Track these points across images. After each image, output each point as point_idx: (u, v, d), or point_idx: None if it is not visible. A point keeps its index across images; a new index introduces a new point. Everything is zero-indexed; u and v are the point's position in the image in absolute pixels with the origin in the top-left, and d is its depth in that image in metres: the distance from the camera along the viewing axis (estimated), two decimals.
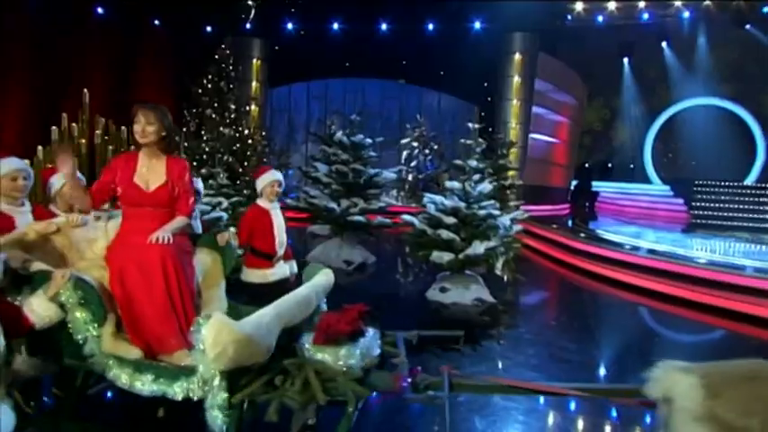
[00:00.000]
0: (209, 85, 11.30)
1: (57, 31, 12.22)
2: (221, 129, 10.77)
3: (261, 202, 3.66)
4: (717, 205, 14.05)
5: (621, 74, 17.00)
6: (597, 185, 17.14)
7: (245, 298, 3.27)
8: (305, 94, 15.31)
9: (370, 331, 2.40)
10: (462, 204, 6.09)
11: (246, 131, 11.40)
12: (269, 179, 3.63)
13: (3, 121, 10.83)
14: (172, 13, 14.23)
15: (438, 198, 6.25)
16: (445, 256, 5.70)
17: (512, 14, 13.16)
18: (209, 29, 14.58)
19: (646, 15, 15.47)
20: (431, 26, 14.08)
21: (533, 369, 4.26)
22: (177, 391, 2.18)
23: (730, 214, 13.60)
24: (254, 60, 13.89)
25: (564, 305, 7.25)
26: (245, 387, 2.12)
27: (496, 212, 6.05)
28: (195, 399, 2.15)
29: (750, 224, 13.05)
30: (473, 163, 6.34)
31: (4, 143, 9.77)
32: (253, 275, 3.56)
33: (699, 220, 13.61)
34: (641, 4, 15.04)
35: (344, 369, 2.20)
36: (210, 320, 2.06)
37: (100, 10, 13.63)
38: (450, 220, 5.87)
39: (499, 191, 10.29)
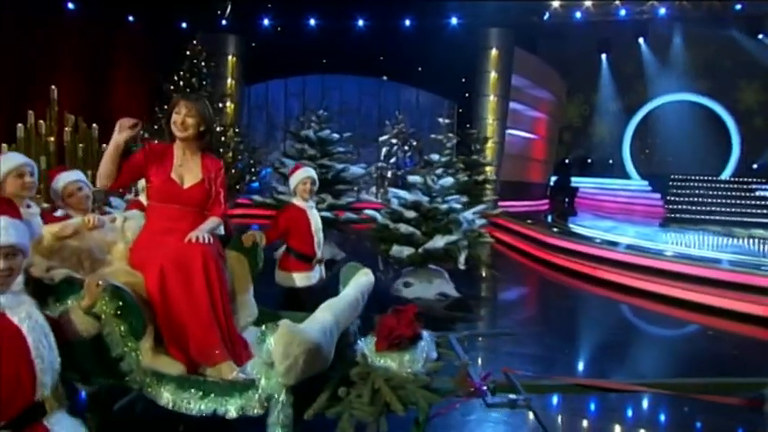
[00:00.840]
0: (181, 82, 11.15)
1: (27, 27, 12.01)
2: None
3: (296, 201, 3.48)
4: (691, 199, 14.19)
5: (601, 70, 17.10)
6: (577, 181, 17.22)
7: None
8: (282, 90, 15.19)
9: (426, 334, 2.25)
10: (425, 199, 6.06)
11: (219, 128, 11.25)
12: (300, 177, 3.44)
13: None
14: (147, 9, 14.05)
15: (402, 192, 6.21)
16: (405, 251, 5.65)
17: (488, 10, 13.17)
18: (184, 25, 14.42)
19: (623, 12, 15.57)
20: (407, 22, 14.03)
21: (492, 363, 4.22)
22: (231, 408, 1.98)
23: (704, 208, 13.73)
24: (230, 57, 13.77)
25: (530, 299, 7.25)
26: (311, 401, 1.94)
27: (458, 206, 6.02)
28: (254, 415, 1.97)
29: (723, 218, 13.18)
30: (435, 157, 6.31)
31: None
32: (291, 279, 3.32)
33: (673, 215, 13.72)
34: (617, 2, 15.14)
35: (412, 375, 2.04)
36: (279, 330, 1.85)
37: (71, 5, 13.43)
38: (411, 214, 5.83)
39: (473, 185, 10.40)
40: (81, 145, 11.85)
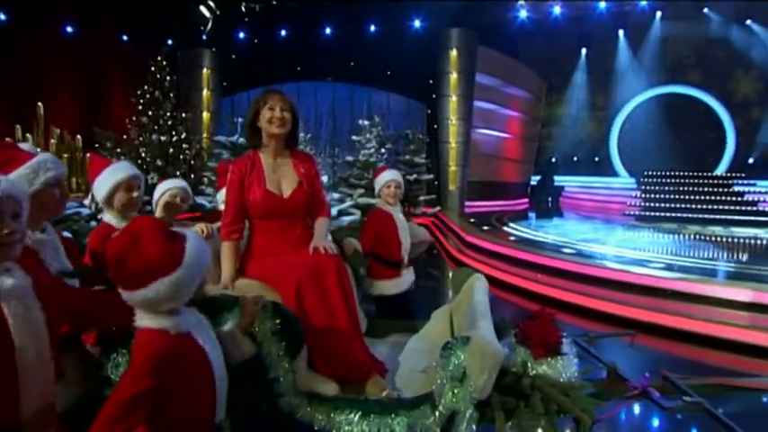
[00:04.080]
0: (148, 95, 12.04)
1: (23, 48, 13.42)
2: (152, 135, 11.51)
3: (381, 205, 3.31)
4: (661, 196, 13.50)
5: (584, 66, 16.63)
6: (561, 180, 16.79)
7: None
8: None
9: (565, 338, 2.12)
10: None
11: (182, 136, 12.04)
12: (384, 180, 3.28)
13: None
14: (138, 28, 15.26)
15: None
16: None
17: (452, 12, 13.25)
18: (170, 42, 15.49)
19: (602, 4, 15.08)
20: (372, 27, 14.37)
21: None
22: (397, 428, 1.82)
23: (674, 205, 13.02)
24: (204, 70, 14.63)
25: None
26: (487, 415, 1.79)
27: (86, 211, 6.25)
28: None
29: (692, 215, 12.47)
30: None
31: None
32: (381, 287, 3.15)
33: (643, 213, 13.12)
34: None
35: (571, 381, 1.92)
36: (473, 343, 1.75)
37: (69, 29, 14.81)
38: None
39: (407, 185, 10.59)
40: (65, 155, 13.08)
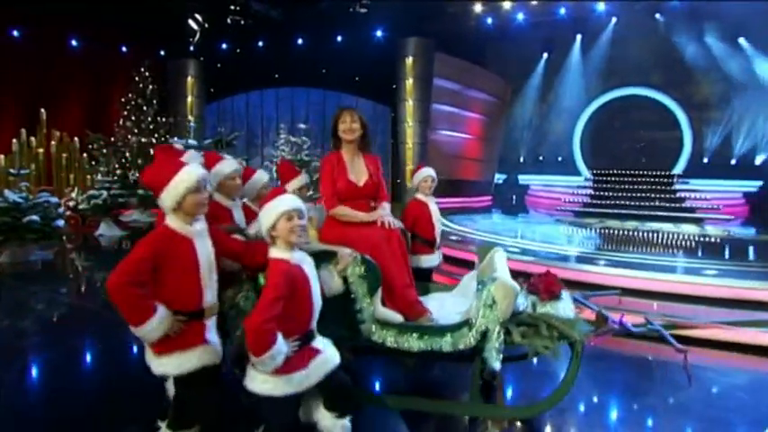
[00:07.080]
0: (132, 102, 13.57)
1: (35, 60, 15.14)
2: (133, 138, 13.03)
3: (418, 195, 4.06)
4: (598, 193, 14.09)
5: (547, 69, 17.29)
6: (529, 179, 17.52)
7: None
8: (244, 104, 17.33)
9: (564, 292, 2.89)
10: None
11: (162, 139, 13.51)
12: (422, 175, 4.04)
13: None
14: (134, 40, 16.90)
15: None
16: None
17: (410, 22, 14.27)
18: (162, 53, 17.08)
19: (563, 10, 15.73)
20: (339, 38, 15.55)
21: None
22: (445, 344, 2.56)
23: (611, 202, 13.62)
24: (189, 78, 16.10)
25: None
26: (508, 335, 2.55)
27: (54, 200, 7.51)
28: (465, 348, 2.54)
29: (626, 211, 13.07)
30: None
31: None
32: (419, 260, 3.88)
33: (581, 208, 13.78)
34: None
35: (569, 318, 2.63)
36: (497, 281, 2.52)
37: (74, 42, 16.55)
38: None
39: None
40: (64, 154, 14.83)
